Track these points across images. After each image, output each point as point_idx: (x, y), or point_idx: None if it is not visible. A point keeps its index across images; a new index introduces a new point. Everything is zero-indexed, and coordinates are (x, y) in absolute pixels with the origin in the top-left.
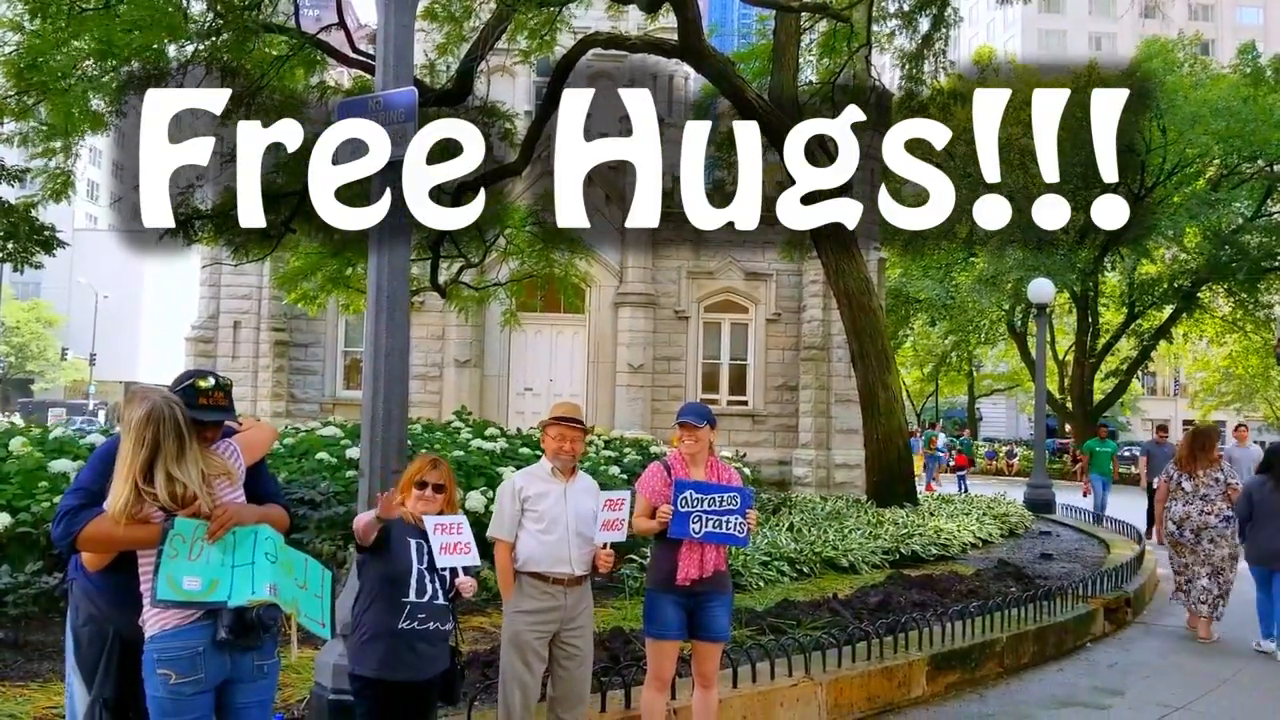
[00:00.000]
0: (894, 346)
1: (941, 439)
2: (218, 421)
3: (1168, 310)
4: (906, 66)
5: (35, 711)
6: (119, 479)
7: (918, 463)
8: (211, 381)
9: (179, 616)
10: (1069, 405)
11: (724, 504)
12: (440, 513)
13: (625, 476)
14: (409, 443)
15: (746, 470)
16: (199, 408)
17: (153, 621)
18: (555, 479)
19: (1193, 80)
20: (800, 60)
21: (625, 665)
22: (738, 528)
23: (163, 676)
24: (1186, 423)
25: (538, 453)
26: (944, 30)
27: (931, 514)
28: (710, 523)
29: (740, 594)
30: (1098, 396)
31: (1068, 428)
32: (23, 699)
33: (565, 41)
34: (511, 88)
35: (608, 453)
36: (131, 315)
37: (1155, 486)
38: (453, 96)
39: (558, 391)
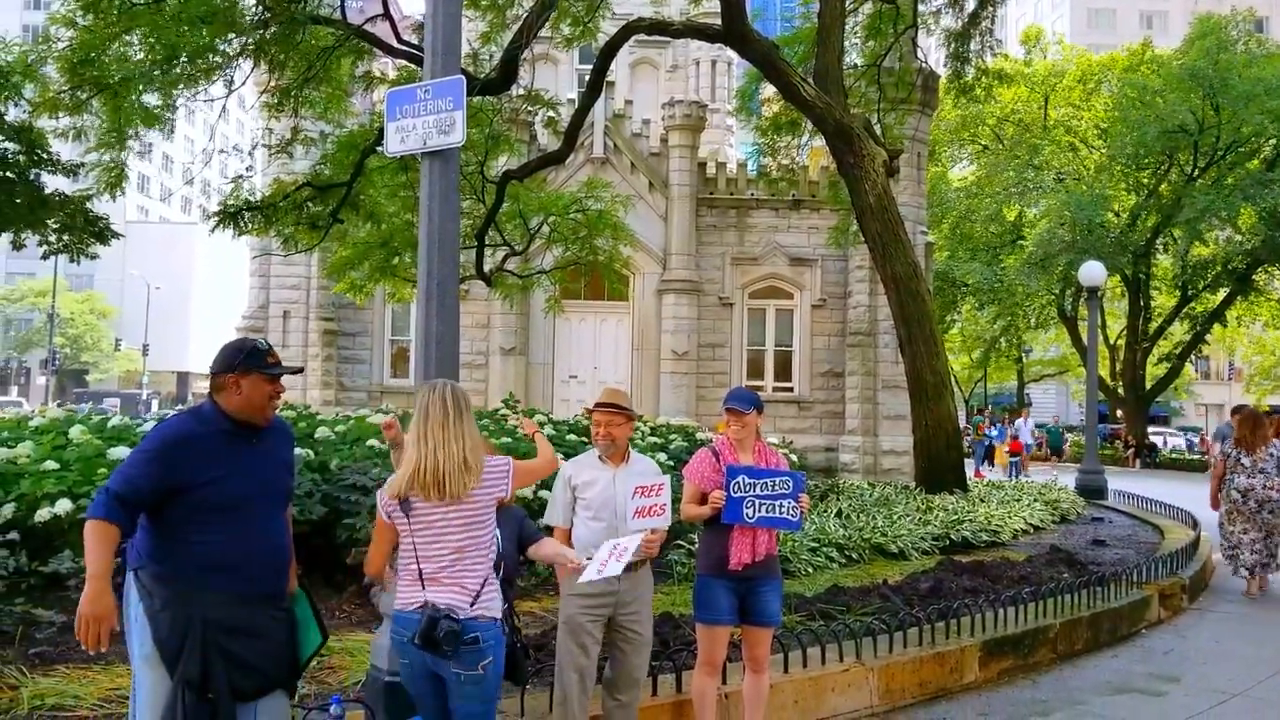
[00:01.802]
0: (941, 331)
1: (1030, 426)
2: (281, 374)
3: (1222, 293)
4: (953, 47)
5: (98, 693)
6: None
7: (1003, 452)
8: (267, 344)
9: (404, 601)
10: (1120, 390)
11: (776, 489)
12: None
13: (672, 463)
14: None
15: (794, 456)
16: (269, 365)
17: (398, 600)
18: (604, 465)
19: (1246, 58)
20: (845, 43)
21: (676, 650)
22: (790, 512)
23: (394, 651)
24: (1238, 408)
25: (584, 439)
26: (991, 10)
27: (981, 500)
28: (763, 508)
29: (789, 580)
30: (1150, 381)
31: (1119, 413)
32: (86, 680)
33: (608, 29)
34: (554, 75)
35: (654, 439)
36: (182, 306)
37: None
38: (497, 85)
39: (603, 379)
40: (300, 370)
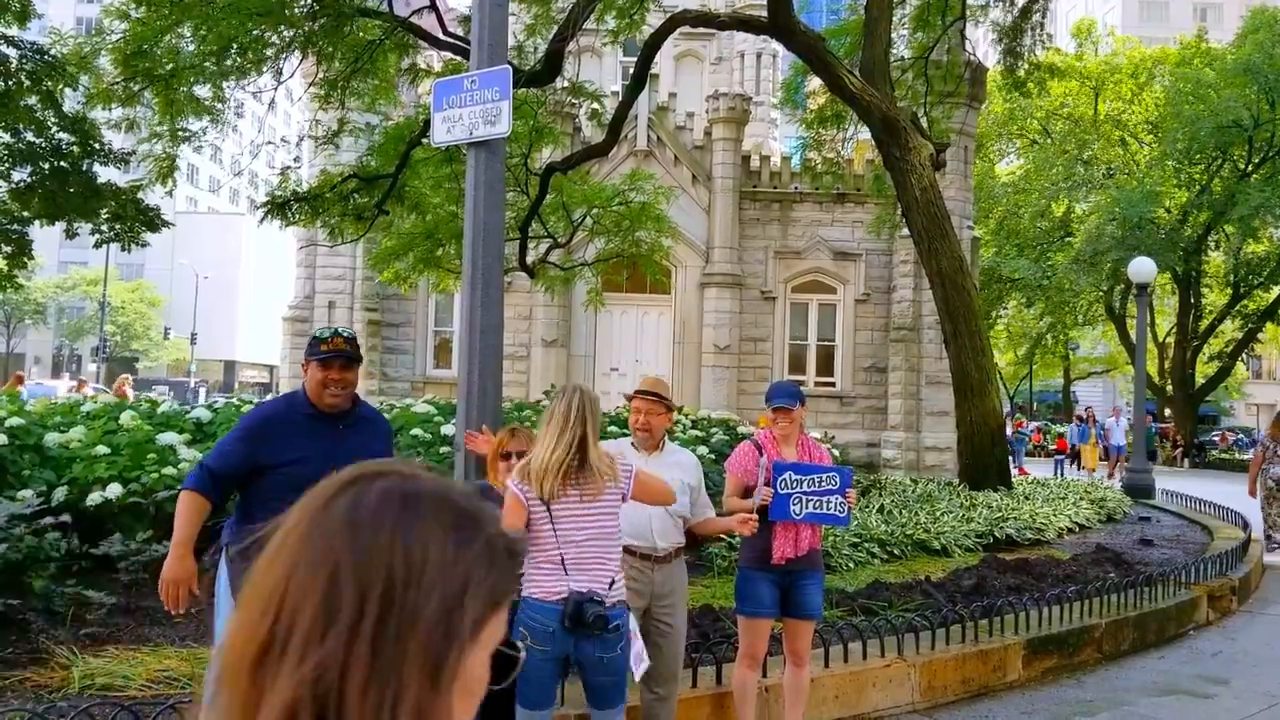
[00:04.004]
0: (987, 327)
1: (1123, 425)
2: (343, 361)
3: (1275, 290)
4: (1004, 42)
5: (147, 674)
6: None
7: (1092, 453)
8: (330, 331)
9: (544, 590)
10: (1169, 389)
11: (824, 484)
12: None
13: (713, 456)
14: (501, 420)
15: (835, 451)
16: (320, 353)
17: (527, 585)
18: (637, 454)
19: None
20: (893, 35)
21: (716, 642)
22: (838, 508)
23: (521, 635)
24: None
25: (625, 431)
26: (1042, 2)
27: (1026, 498)
28: (811, 504)
29: (830, 575)
30: (1199, 380)
31: (1167, 412)
32: (135, 661)
33: (653, 21)
34: (599, 68)
35: (695, 432)
36: (230, 296)
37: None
38: (542, 78)
39: (644, 372)
40: (354, 358)
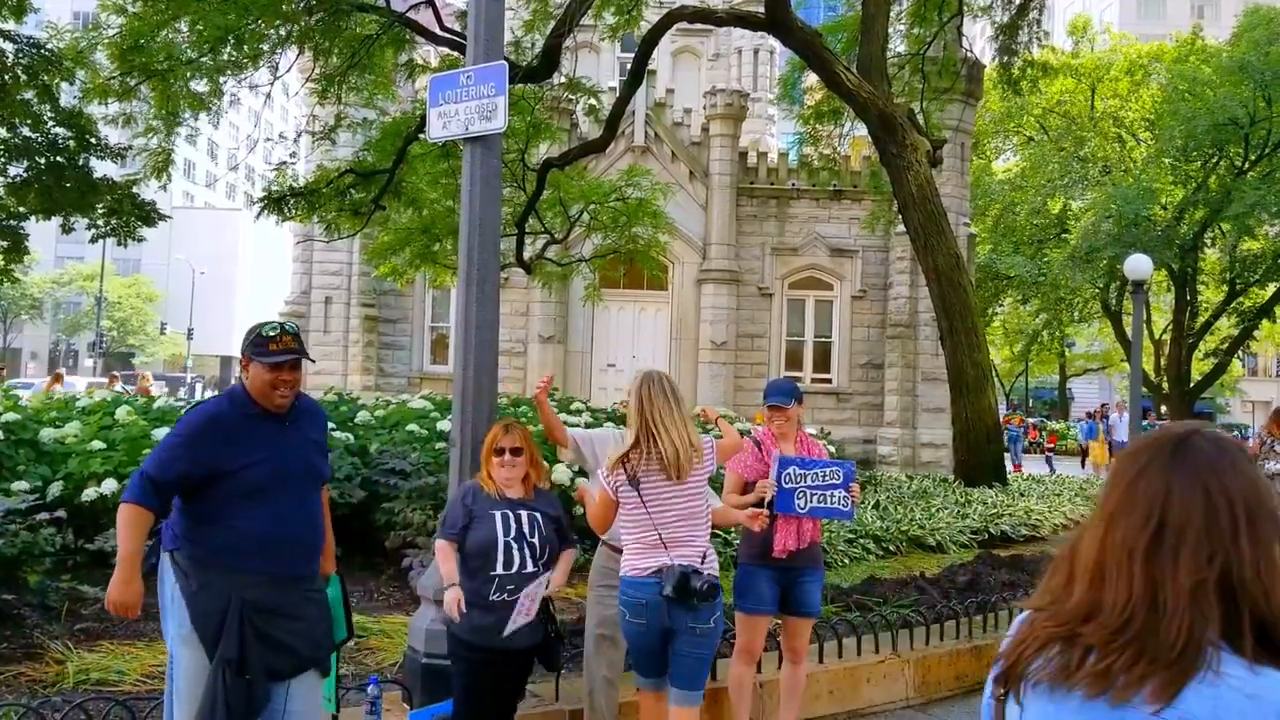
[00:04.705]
0: (983, 324)
1: (1126, 419)
2: (293, 361)
3: (1271, 288)
4: (1000, 37)
5: (141, 669)
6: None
7: (1101, 449)
8: (276, 329)
9: (638, 569)
10: (1165, 386)
11: (827, 479)
12: (525, 476)
13: None
14: (497, 416)
15: (832, 448)
16: (268, 354)
17: (625, 566)
18: None
19: None
20: (889, 31)
21: None
22: (842, 502)
23: (622, 611)
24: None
25: (622, 426)
26: None
27: (1021, 494)
28: (815, 498)
29: (826, 571)
30: (1196, 377)
31: (1163, 409)
32: (129, 656)
33: (650, 17)
34: (596, 63)
35: None
36: (226, 291)
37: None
38: (539, 73)
39: (641, 368)
40: (298, 356)
